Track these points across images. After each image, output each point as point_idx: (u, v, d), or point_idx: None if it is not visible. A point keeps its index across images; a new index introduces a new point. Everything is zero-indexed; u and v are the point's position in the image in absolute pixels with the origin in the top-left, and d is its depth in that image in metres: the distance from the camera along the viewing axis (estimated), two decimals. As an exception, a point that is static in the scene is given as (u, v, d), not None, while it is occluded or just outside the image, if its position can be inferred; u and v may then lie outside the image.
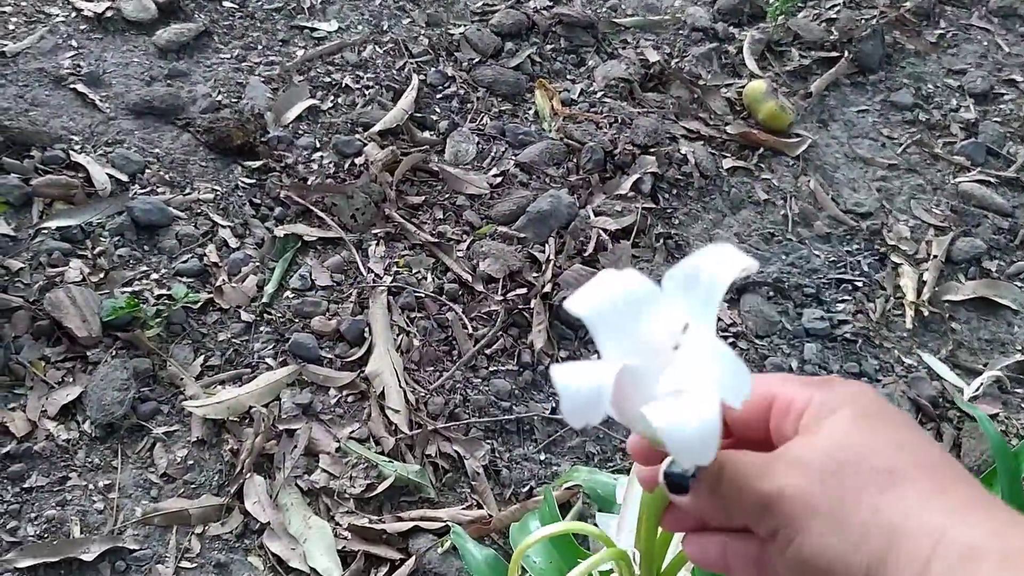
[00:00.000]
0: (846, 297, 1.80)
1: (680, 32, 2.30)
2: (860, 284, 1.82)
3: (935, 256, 1.88)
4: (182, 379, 1.50)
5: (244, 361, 1.55)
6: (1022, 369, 1.73)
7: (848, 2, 2.43)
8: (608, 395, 0.37)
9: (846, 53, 2.29)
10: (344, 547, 1.35)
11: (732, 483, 0.41)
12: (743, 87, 2.15)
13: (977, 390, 1.61)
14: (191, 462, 1.43)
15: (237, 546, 1.35)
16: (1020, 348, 1.77)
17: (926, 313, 1.79)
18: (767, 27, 2.33)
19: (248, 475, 1.41)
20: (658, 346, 0.42)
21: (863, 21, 2.35)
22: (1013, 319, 1.82)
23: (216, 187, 1.79)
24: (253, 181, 1.81)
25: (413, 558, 1.33)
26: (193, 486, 1.40)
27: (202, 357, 1.54)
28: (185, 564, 1.32)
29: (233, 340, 1.57)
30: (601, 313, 0.42)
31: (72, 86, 1.91)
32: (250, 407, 1.48)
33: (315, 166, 1.86)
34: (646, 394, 0.40)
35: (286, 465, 1.42)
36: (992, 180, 2.06)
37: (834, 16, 2.38)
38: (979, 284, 1.85)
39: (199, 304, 1.60)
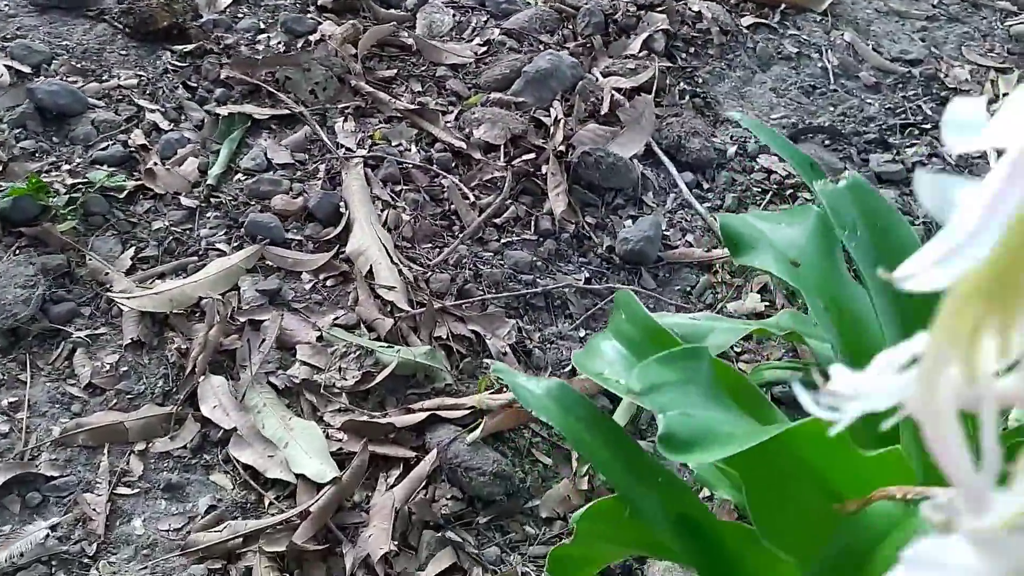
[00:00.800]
0: (915, 141, 1.50)
1: (668, -95, 2.02)
2: (928, 127, 1.52)
3: (1006, 94, 1.59)
4: (107, 274, 1.15)
5: (189, 249, 1.21)
6: None
7: None
8: None
9: (855, -86, 2.03)
10: (340, 448, 1.00)
11: None
12: (749, -51, 1.87)
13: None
14: (124, 368, 1.07)
15: (194, 463, 1.00)
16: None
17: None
18: None
19: (202, 376, 1.06)
20: None
21: None
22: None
23: (140, 73, 1.46)
24: (186, 64, 1.48)
25: (434, 453, 0.99)
26: (129, 396, 1.05)
27: (132, 249, 1.19)
28: (123, 490, 0.97)
29: (172, 228, 1.23)
30: None
31: (-42, -16, 1.57)
32: (200, 297, 1.13)
33: (261, 47, 1.54)
34: None
35: (253, 360, 1.08)
36: (1046, 21, 1.80)
37: None
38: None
39: (125, 192, 1.25)
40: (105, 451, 0.99)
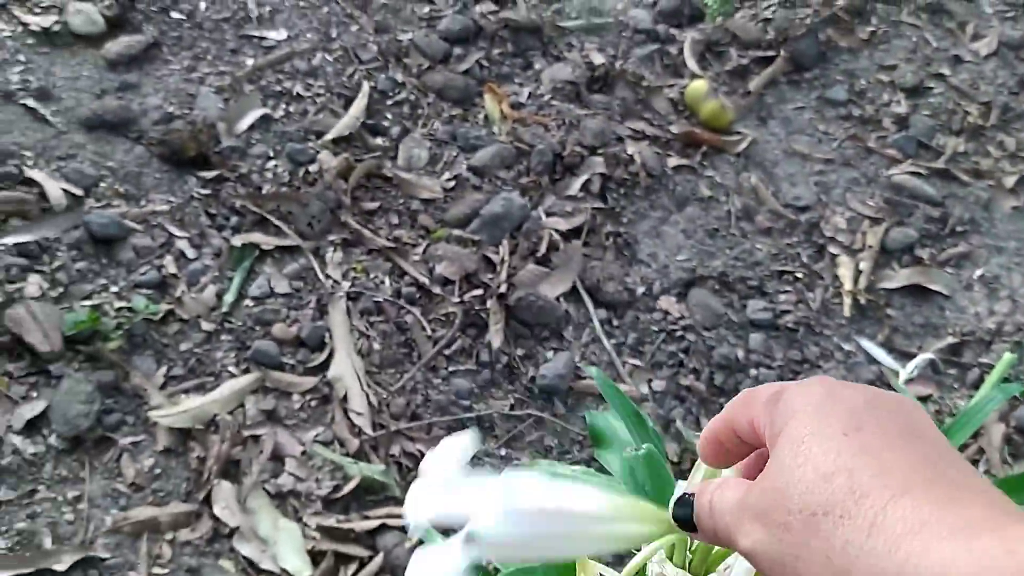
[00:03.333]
0: (787, 288, 1.87)
1: (623, 34, 2.37)
2: (800, 275, 1.90)
3: (870, 246, 1.97)
4: (146, 390, 1.53)
5: (207, 370, 1.58)
6: (954, 351, 1.83)
7: (783, 2, 2.52)
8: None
9: (782, 52, 2.37)
10: (313, 547, 1.39)
11: (723, 532, 0.39)
12: (685, 87, 2.22)
13: (912, 372, 1.69)
14: (158, 471, 1.45)
15: (208, 551, 1.39)
16: (951, 332, 1.87)
17: (863, 301, 1.88)
18: (706, 28, 2.40)
19: (216, 481, 1.44)
20: None
21: (798, 20, 2.44)
22: (944, 304, 1.91)
23: (171, 198, 1.81)
24: (208, 191, 1.84)
25: (381, 554, 1.38)
26: (161, 494, 1.43)
27: (165, 367, 1.57)
28: (157, 570, 1.35)
29: (195, 350, 1.60)
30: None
31: (22, 101, 1.91)
32: (215, 415, 1.51)
33: (269, 175, 1.89)
34: None
35: (253, 470, 1.46)
36: (923, 172, 2.16)
37: (770, 16, 2.47)
38: (912, 272, 1.95)
39: (159, 316, 1.62)
40: (144, 539, 1.38)
